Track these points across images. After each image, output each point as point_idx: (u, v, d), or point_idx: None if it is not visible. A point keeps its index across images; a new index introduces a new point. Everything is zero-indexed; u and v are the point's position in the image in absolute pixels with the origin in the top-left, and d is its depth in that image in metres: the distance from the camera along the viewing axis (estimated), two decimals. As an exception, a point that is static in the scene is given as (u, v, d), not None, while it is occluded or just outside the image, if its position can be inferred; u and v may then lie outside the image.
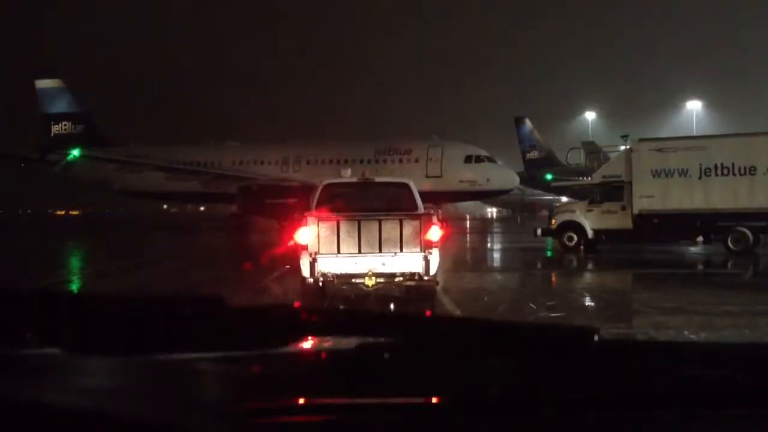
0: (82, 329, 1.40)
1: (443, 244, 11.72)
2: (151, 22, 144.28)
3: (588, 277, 18.39)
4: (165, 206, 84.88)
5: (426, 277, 10.94)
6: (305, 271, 10.92)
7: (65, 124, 47.93)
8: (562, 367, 1.53)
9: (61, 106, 47.96)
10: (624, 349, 1.70)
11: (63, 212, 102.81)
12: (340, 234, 10.89)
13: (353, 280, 10.97)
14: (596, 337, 1.53)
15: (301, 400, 1.38)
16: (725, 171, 21.24)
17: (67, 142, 44.26)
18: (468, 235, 39.54)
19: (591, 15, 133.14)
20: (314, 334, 1.67)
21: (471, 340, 1.55)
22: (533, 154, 55.36)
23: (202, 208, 76.64)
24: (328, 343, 1.76)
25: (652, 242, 22.93)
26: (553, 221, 23.74)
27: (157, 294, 1.78)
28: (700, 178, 21.48)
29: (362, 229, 10.88)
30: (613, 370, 1.53)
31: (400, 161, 37.40)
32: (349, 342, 1.57)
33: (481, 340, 1.55)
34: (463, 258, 22.36)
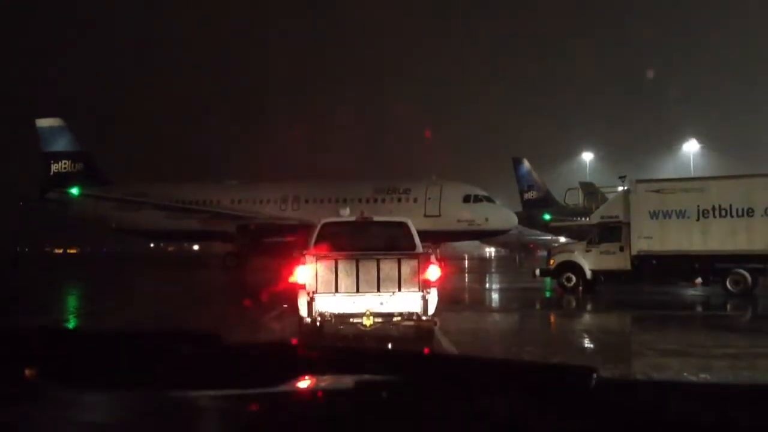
0: (81, 365, 1.39)
1: (441, 283, 11.68)
2: (151, 59, 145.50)
3: (587, 319, 18.31)
4: (160, 245, 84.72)
5: (424, 317, 10.87)
6: (302, 311, 10.86)
7: (65, 163, 48.07)
8: (561, 405, 1.52)
9: (61, 144, 48.15)
10: (622, 389, 1.69)
11: (61, 250, 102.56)
12: (338, 273, 10.84)
13: (351, 320, 10.89)
14: (595, 377, 1.52)
15: None
16: (723, 213, 21.26)
17: (67, 180, 44.42)
18: (466, 274, 39.46)
19: (590, 57, 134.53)
20: (311, 372, 1.66)
21: (470, 379, 1.54)
22: (531, 195, 55.46)
23: (196, 247, 76.45)
24: (326, 381, 1.74)
25: (650, 283, 22.89)
26: (552, 261, 23.69)
27: (155, 330, 1.77)
28: (698, 219, 21.49)
29: (360, 268, 10.84)
30: (611, 410, 1.53)
31: (399, 200, 37.47)
32: (347, 381, 1.56)
33: (480, 378, 1.54)
34: (462, 298, 22.27)
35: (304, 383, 1.68)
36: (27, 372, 1.39)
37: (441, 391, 1.56)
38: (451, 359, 2.29)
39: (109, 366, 1.41)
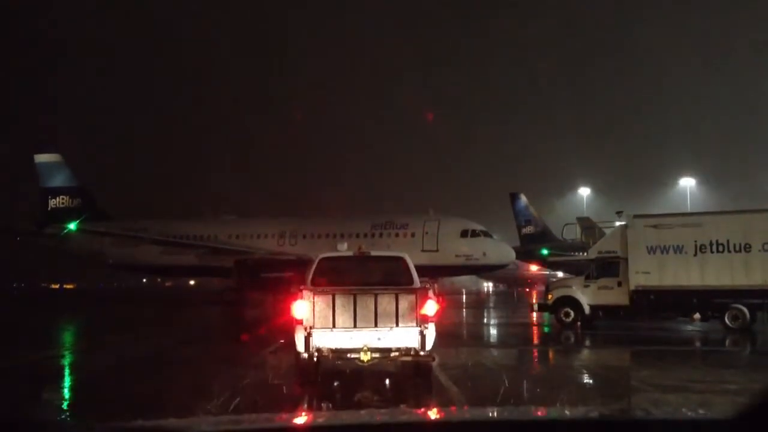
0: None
1: (439, 318, 11.63)
2: (150, 93, 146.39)
3: (585, 354, 18.22)
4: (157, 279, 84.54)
5: (422, 353, 10.80)
6: (300, 346, 10.80)
7: (63, 198, 48.14)
8: None
9: (59, 180, 48.26)
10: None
11: (57, 286, 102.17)
12: (336, 308, 10.79)
13: (348, 355, 10.82)
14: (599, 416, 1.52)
15: None
16: (720, 248, 21.29)
17: (64, 215, 44.43)
18: (464, 309, 39.32)
19: (586, 91, 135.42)
20: (306, 399, 1.66)
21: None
22: (528, 229, 55.45)
23: (192, 282, 76.23)
24: (321, 409, 1.72)
25: (649, 319, 22.83)
26: (550, 296, 23.66)
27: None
28: (695, 254, 21.51)
29: (358, 303, 10.79)
30: None
31: (397, 235, 37.45)
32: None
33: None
34: (460, 333, 22.19)
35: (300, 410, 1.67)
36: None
37: None
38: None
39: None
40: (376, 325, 10.73)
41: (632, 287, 22.05)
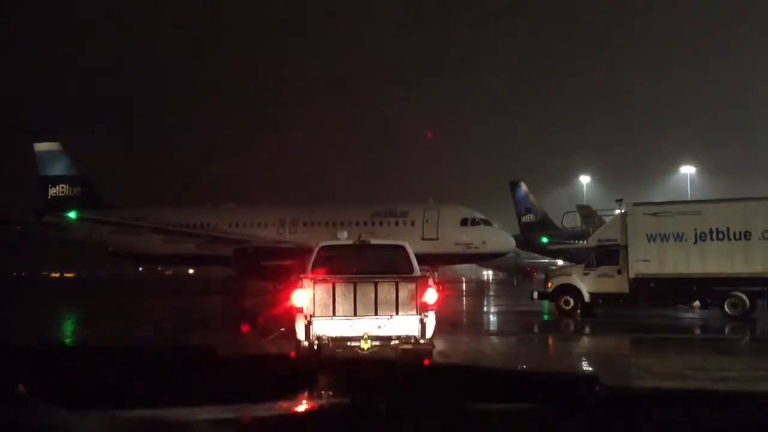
0: (75, 382, 1.39)
1: (439, 306, 11.65)
2: (151, 83, 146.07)
3: (585, 342, 18.26)
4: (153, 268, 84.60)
5: (422, 341, 10.82)
6: (300, 334, 10.80)
7: (62, 187, 47.97)
8: (563, 415, 1.51)
9: (59, 168, 48.07)
10: (624, 398, 1.68)
11: (57, 274, 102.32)
12: (336, 296, 10.80)
13: (349, 343, 10.84)
14: (597, 387, 1.52)
15: None
16: (720, 236, 21.27)
17: (64, 204, 44.33)
18: (464, 297, 39.37)
19: (585, 80, 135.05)
20: (307, 386, 1.66)
21: (470, 390, 1.54)
22: (528, 218, 55.48)
23: (191, 271, 76.27)
24: (322, 397, 1.73)
25: (648, 306, 22.85)
26: (550, 284, 23.68)
27: (147, 346, 1.77)
28: (695, 242, 21.50)
29: (358, 292, 10.79)
30: (614, 421, 1.52)
31: (396, 224, 37.41)
32: (344, 396, 1.55)
33: (481, 388, 1.54)
34: (460, 321, 22.22)
35: (298, 397, 1.67)
36: (23, 390, 1.38)
37: (440, 402, 1.55)
38: (449, 371, 2.28)
39: (101, 382, 1.41)
40: (376, 314, 10.74)
41: (632, 275, 22.05)
